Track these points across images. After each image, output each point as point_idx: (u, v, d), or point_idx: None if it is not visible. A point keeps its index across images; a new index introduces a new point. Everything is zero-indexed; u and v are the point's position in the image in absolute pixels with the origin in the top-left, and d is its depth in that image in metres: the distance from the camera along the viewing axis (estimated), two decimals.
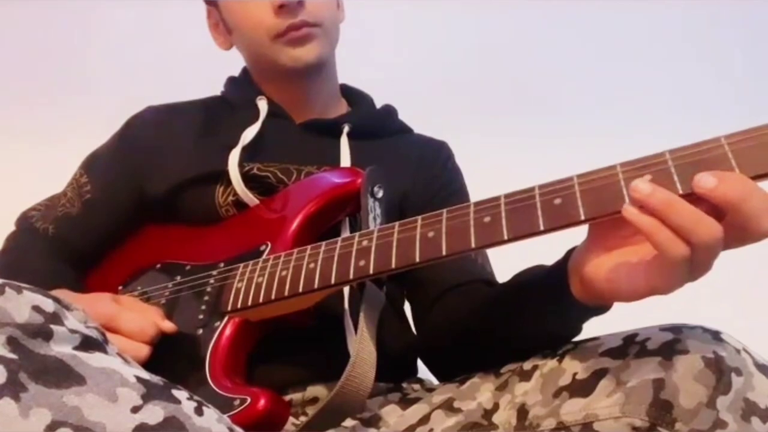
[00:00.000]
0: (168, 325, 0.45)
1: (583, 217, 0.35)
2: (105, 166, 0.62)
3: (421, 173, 0.62)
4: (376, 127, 0.64)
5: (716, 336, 0.37)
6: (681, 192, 0.33)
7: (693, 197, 0.32)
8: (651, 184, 0.32)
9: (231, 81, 0.67)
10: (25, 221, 0.63)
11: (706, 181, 0.31)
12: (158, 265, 0.54)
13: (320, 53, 0.58)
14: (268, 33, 0.57)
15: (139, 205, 0.59)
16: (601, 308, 0.42)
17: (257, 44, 0.59)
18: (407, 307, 0.61)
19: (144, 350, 0.43)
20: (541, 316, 0.45)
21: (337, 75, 0.67)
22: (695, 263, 0.32)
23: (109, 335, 0.42)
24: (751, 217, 0.31)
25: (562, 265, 0.41)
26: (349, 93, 0.68)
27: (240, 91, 0.65)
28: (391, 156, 0.60)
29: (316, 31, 0.57)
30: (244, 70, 0.66)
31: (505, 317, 0.47)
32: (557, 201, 0.36)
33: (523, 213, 0.36)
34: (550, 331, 0.45)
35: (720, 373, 0.35)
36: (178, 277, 0.52)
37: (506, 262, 0.53)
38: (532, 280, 0.46)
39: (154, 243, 0.57)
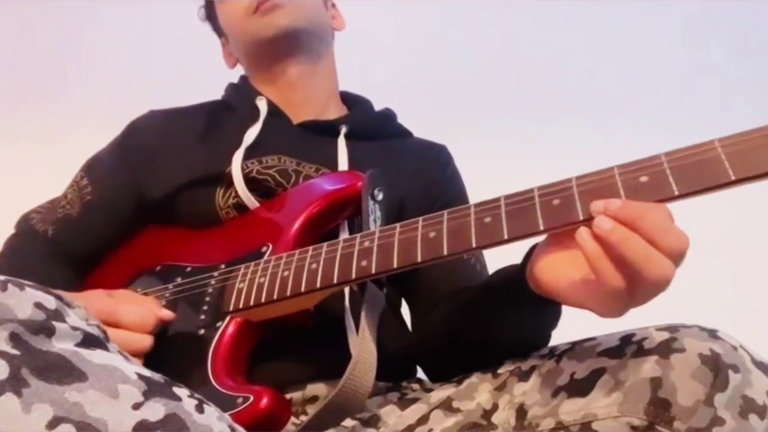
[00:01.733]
0: (166, 313, 0.46)
1: (581, 218, 0.35)
2: (106, 169, 0.62)
3: (419, 177, 0.63)
4: (374, 128, 0.65)
5: (713, 334, 0.38)
6: (677, 193, 0.34)
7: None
8: (612, 222, 0.33)
9: (231, 86, 0.68)
10: (25, 223, 0.64)
11: (602, 225, 0.33)
12: (158, 267, 0.54)
13: (291, 20, 0.61)
14: (245, 13, 0.62)
15: (139, 207, 0.59)
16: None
17: (240, 29, 0.63)
18: (405, 311, 0.62)
19: (147, 341, 0.43)
20: (512, 312, 0.46)
21: (336, 80, 0.68)
22: (636, 294, 0.33)
23: (110, 330, 0.42)
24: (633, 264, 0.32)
25: (524, 261, 0.42)
26: (349, 98, 0.69)
27: (240, 94, 0.66)
28: (389, 158, 0.61)
29: (286, 2, 0.61)
30: (243, 77, 0.68)
31: (484, 319, 0.48)
32: (556, 202, 0.36)
33: (523, 213, 0.37)
34: (526, 325, 0.46)
35: (717, 370, 0.35)
36: (179, 279, 0.52)
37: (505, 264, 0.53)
38: (502, 282, 0.47)
39: (155, 245, 0.57)
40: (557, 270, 0.37)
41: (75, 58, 1.05)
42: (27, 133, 0.99)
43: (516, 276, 0.42)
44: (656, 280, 0.32)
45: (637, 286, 0.33)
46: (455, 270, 0.56)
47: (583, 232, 0.34)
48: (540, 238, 0.39)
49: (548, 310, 0.45)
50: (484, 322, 0.48)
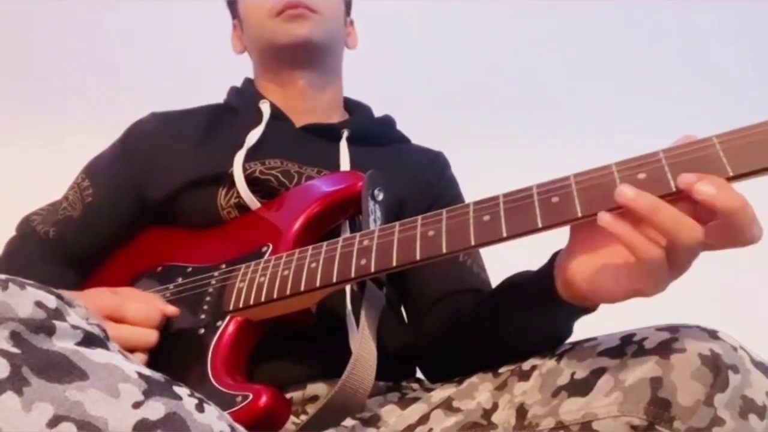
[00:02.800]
0: (171, 309, 0.46)
1: (580, 215, 0.35)
2: (107, 170, 0.63)
3: (418, 179, 0.63)
4: (374, 134, 0.65)
5: (713, 334, 0.38)
6: (674, 189, 0.34)
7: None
8: (635, 189, 0.33)
9: (233, 89, 0.69)
10: (26, 225, 0.64)
11: (706, 189, 0.32)
12: (159, 268, 0.54)
13: (312, 33, 0.61)
14: (268, 13, 0.61)
15: (140, 208, 0.60)
16: (589, 308, 0.42)
17: (258, 26, 0.63)
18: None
19: (153, 335, 0.44)
20: (531, 319, 0.45)
21: (341, 88, 0.69)
22: (675, 263, 0.33)
23: (116, 325, 0.42)
24: (742, 226, 0.32)
25: (548, 267, 0.42)
26: (349, 104, 0.70)
27: (243, 96, 0.67)
28: (389, 163, 0.62)
29: (312, 15, 0.61)
30: (247, 80, 0.69)
31: (495, 323, 0.48)
32: (555, 199, 0.36)
33: (522, 211, 0.37)
34: (540, 334, 0.46)
35: (717, 370, 0.35)
36: (180, 279, 0.52)
37: (507, 265, 0.53)
38: (520, 284, 0.46)
39: (156, 246, 0.57)
40: (593, 270, 0.37)
41: (76, 60, 1.06)
42: (28, 134, 1.00)
43: (544, 279, 0.42)
44: (690, 245, 0.32)
45: (674, 254, 0.33)
46: (450, 272, 0.56)
47: (605, 216, 0.33)
48: (545, 241, 0.39)
49: (574, 315, 0.44)
50: (499, 326, 0.47)
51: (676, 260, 0.33)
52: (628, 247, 0.33)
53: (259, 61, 0.67)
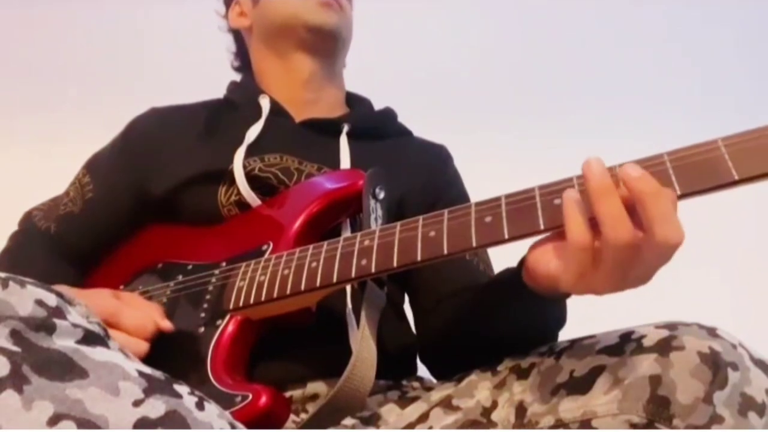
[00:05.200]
0: (166, 324, 0.45)
1: None
2: (107, 166, 0.63)
3: (421, 175, 0.63)
4: (375, 128, 0.65)
5: (712, 332, 0.38)
6: (679, 193, 0.33)
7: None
8: (605, 171, 0.33)
9: (233, 83, 0.68)
10: (28, 220, 0.64)
11: (632, 169, 0.32)
12: (160, 265, 0.54)
13: (340, 25, 0.63)
14: None
15: (140, 204, 0.60)
16: (560, 297, 0.42)
17: (287, 4, 0.63)
18: (407, 308, 0.62)
19: (143, 346, 0.43)
20: (509, 311, 0.46)
21: (343, 84, 0.69)
22: (603, 263, 0.33)
23: (109, 330, 0.42)
24: (655, 217, 0.31)
25: (522, 258, 0.42)
26: (350, 98, 0.70)
27: (242, 91, 0.66)
28: (391, 157, 0.61)
29: (341, 10, 0.64)
30: (247, 75, 0.69)
31: (484, 318, 0.49)
32: (557, 201, 0.36)
33: (524, 213, 0.37)
34: (526, 325, 0.46)
35: (716, 368, 0.35)
36: (180, 277, 0.52)
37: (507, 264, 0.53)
38: (499, 278, 0.47)
39: (156, 243, 0.57)
40: (549, 258, 0.37)
41: (76, 59, 1.06)
42: (30, 134, 1.00)
43: (513, 272, 0.42)
44: (615, 242, 0.32)
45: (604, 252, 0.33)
46: (457, 269, 0.56)
47: (569, 193, 0.34)
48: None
49: (546, 306, 0.44)
50: (484, 320, 0.48)
51: (604, 259, 0.33)
52: (566, 225, 0.34)
53: (268, 41, 0.66)
